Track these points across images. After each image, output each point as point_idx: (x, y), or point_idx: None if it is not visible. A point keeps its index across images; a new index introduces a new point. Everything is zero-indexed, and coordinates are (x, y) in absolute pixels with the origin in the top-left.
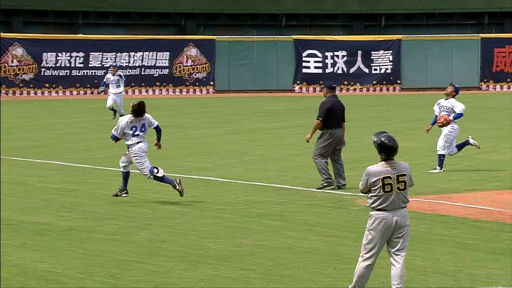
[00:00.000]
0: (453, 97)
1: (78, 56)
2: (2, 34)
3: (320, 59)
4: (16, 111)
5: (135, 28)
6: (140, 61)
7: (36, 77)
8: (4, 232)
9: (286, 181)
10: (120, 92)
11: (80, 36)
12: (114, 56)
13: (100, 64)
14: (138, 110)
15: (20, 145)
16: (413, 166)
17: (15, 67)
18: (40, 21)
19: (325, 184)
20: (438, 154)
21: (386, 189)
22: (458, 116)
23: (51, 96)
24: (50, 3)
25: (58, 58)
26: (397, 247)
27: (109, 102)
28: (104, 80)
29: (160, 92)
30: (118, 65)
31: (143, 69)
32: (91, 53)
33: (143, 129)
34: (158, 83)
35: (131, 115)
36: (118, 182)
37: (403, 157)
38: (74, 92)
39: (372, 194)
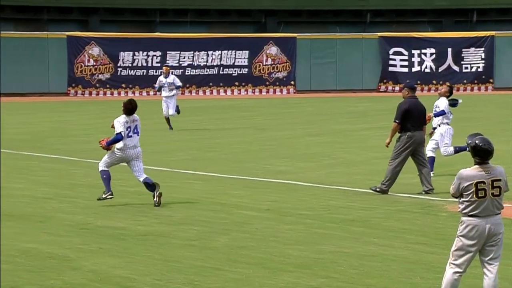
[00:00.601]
0: (447, 97)
1: (155, 55)
2: (78, 33)
3: (406, 57)
4: (92, 112)
5: (214, 26)
6: (219, 60)
7: (113, 77)
8: (80, 237)
9: (371, 185)
10: (172, 95)
11: (157, 34)
12: (192, 55)
13: (177, 63)
14: (131, 107)
15: (97, 147)
16: (507, 170)
17: (91, 67)
18: (117, 19)
19: (378, 190)
20: (429, 157)
21: (479, 195)
22: (437, 113)
23: (127, 96)
24: (126, 1)
25: (135, 57)
26: (490, 256)
27: (165, 109)
28: (156, 85)
29: (239, 92)
30: (196, 64)
31: (221, 68)
32: (168, 52)
33: (136, 130)
34: (237, 83)
35: (124, 115)
36: (196, 186)
37: (496, 160)
38: (151, 93)
39: (464, 199)
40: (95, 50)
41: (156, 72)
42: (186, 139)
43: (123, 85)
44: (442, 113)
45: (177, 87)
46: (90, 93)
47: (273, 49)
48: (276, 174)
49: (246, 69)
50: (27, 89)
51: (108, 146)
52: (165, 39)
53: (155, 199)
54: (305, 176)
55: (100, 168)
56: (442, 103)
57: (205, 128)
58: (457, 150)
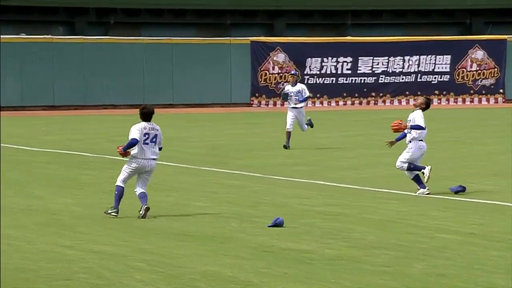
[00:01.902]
0: (423, 110)
1: (345, 62)
2: (263, 38)
3: None
4: (277, 124)
5: (411, 28)
6: (416, 66)
7: None
8: (264, 260)
9: None
10: (301, 107)
11: (349, 38)
12: (386, 60)
13: (370, 70)
14: (145, 112)
15: (280, 162)
16: None
17: (276, 75)
18: (304, 22)
19: None
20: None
21: None
22: (415, 126)
23: (315, 107)
24: (316, 2)
25: (323, 63)
26: None
27: (289, 122)
28: (282, 95)
29: (439, 101)
30: (390, 71)
31: (419, 75)
32: (360, 57)
33: (154, 139)
34: (437, 92)
35: (142, 122)
36: (390, 206)
37: None
38: (341, 103)
39: None
40: (280, 57)
41: (346, 80)
42: (378, 153)
43: (310, 94)
44: (418, 128)
45: (305, 98)
46: (275, 104)
47: (479, 53)
48: (481, 194)
49: (448, 76)
50: (209, 99)
51: (125, 151)
52: (356, 43)
53: (141, 212)
54: None
55: (116, 183)
56: (420, 117)
57: (400, 141)
58: (412, 168)
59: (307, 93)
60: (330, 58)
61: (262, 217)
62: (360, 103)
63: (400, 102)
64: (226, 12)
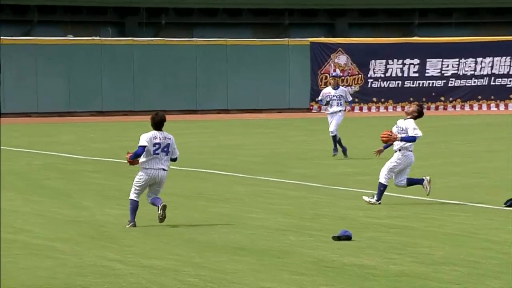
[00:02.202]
0: (415, 118)
1: (412, 64)
2: (323, 39)
3: None
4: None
5: (484, 27)
6: (490, 68)
7: (362, 90)
8: (324, 276)
9: None
10: (339, 111)
11: (416, 39)
12: (457, 62)
13: (439, 73)
14: (157, 120)
15: (341, 171)
16: None
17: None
18: (368, 22)
19: None
20: (379, 182)
21: None
22: (408, 138)
23: (379, 112)
24: (380, 0)
25: (388, 66)
26: None
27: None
28: (320, 98)
29: None
30: (461, 73)
31: (493, 78)
32: (428, 59)
33: (165, 149)
34: None
35: (154, 131)
36: (461, 219)
37: None
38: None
39: None
40: (342, 59)
41: (413, 83)
42: (447, 162)
43: (374, 99)
44: (411, 139)
45: (349, 103)
46: None
47: None
48: None
49: None
50: (265, 104)
51: (132, 160)
52: (424, 44)
53: (159, 212)
54: None
55: (130, 196)
56: (412, 127)
57: (472, 150)
58: (411, 182)
59: (349, 98)
60: (395, 60)
61: (322, 230)
62: (428, 108)
63: (471, 107)
64: (284, 12)
